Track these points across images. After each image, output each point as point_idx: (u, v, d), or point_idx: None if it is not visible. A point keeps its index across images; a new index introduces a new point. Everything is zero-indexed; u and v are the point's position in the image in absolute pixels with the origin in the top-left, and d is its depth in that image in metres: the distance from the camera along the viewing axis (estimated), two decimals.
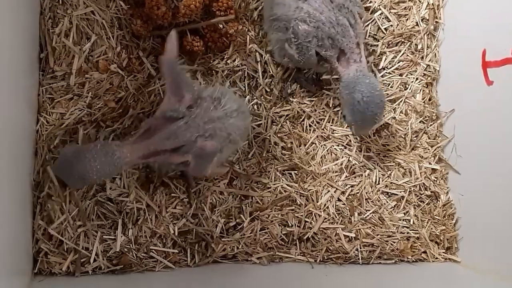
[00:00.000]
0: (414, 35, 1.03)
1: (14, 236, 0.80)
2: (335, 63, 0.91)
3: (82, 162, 0.78)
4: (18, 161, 0.82)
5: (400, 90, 1.02)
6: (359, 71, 0.90)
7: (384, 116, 1.00)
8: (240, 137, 0.89)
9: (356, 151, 1.00)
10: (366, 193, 0.98)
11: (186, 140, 0.82)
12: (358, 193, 0.98)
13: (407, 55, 1.03)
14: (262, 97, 0.99)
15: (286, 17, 0.91)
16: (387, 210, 0.98)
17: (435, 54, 1.03)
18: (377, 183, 0.99)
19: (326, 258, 0.95)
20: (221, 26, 0.95)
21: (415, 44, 1.03)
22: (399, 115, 1.02)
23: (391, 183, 0.99)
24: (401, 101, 1.02)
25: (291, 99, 0.99)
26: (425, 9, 1.03)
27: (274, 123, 0.99)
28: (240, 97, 0.96)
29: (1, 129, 0.74)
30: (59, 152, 0.85)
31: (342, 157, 0.99)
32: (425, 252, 0.98)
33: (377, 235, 0.96)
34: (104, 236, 0.89)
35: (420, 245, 0.98)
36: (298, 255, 0.94)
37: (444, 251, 0.98)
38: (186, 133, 0.82)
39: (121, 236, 0.89)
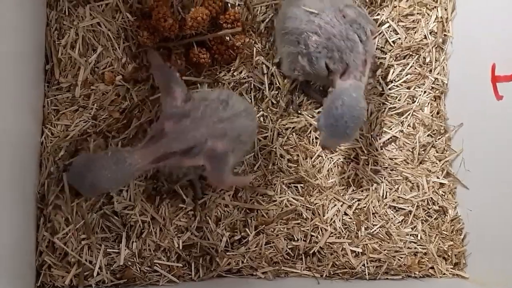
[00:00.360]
0: (422, 48, 1.02)
1: (17, 248, 0.79)
2: (337, 76, 0.91)
3: (93, 171, 0.78)
4: (22, 173, 0.82)
5: (408, 103, 1.01)
6: (352, 86, 0.89)
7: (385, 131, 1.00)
8: (249, 138, 0.89)
9: (363, 164, 0.99)
10: (373, 207, 0.97)
11: (195, 140, 0.81)
12: (365, 207, 0.97)
13: (415, 68, 1.02)
14: (268, 109, 0.98)
15: (298, 31, 0.90)
16: (394, 225, 0.97)
17: (444, 67, 1.02)
18: (384, 197, 0.98)
19: (332, 273, 0.93)
20: (228, 38, 0.94)
21: (423, 57, 1.02)
22: (407, 128, 1.01)
23: (399, 197, 0.98)
24: (408, 114, 1.01)
25: (301, 111, 0.99)
26: (434, 22, 1.02)
27: (280, 136, 0.98)
28: (245, 99, 0.95)
29: (6, 140, 0.73)
30: (72, 161, 0.84)
31: (349, 170, 0.98)
32: (432, 267, 0.96)
33: (384, 250, 0.95)
34: (108, 250, 0.88)
35: (427, 260, 0.96)
36: (303, 270, 0.93)
37: (452, 267, 0.97)
38: (195, 133, 0.81)
39: (125, 250, 0.88)
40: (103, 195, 0.89)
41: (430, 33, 1.02)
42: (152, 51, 0.89)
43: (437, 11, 1.02)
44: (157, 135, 0.81)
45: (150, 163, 0.81)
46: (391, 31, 1.02)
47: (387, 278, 0.95)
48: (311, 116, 0.99)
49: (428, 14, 1.02)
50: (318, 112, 0.99)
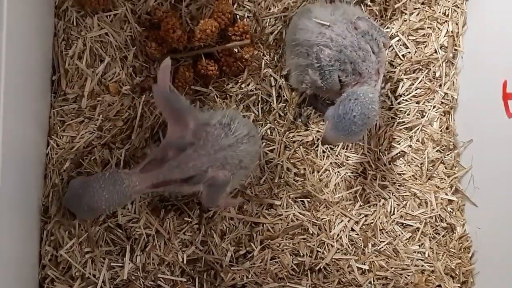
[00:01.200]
0: (432, 62, 1.01)
1: (20, 261, 0.78)
2: (351, 87, 0.90)
3: (90, 192, 0.78)
4: (27, 185, 0.81)
5: (417, 118, 1.00)
6: (370, 88, 0.88)
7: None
8: (251, 162, 0.88)
9: (370, 179, 0.98)
10: (381, 223, 0.96)
11: (196, 170, 0.81)
12: (372, 223, 0.96)
13: (425, 83, 1.01)
14: (276, 121, 0.97)
15: (308, 43, 0.89)
16: (401, 242, 0.95)
17: (453, 82, 1.01)
18: (392, 213, 0.97)
19: None
20: (236, 50, 0.93)
21: (433, 72, 1.01)
22: (416, 143, 1.00)
23: (406, 213, 0.97)
24: (417, 129, 1.00)
25: (309, 124, 0.98)
26: (444, 36, 1.01)
27: (287, 149, 0.97)
28: (248, 120, 0.94)
29: (11, 151, 0.72)
30: (69, 184, 0.83)
31: (357, 185, 0.97)
32: (439, 286, 0.95)
33: (391, 267, 0.93)
34: (112, 263, 0.86)
35: (434, 278, 0.95)
36: (309, 287, 0.91)
37: (459, 285, 0.95)
38: (196, 162, 0.80)
39: (129, 263, 0.87)
40: None
41: (441, 47, 1.01)
42: (166, 65, 0.83)
43: (448, 25, 1.01)
44: (157, 160, 0.81)
45: (149, 187, 0.81)
46: (401, 45, 1.01)
47: None
48: (318, 129, 0.98)
49: (439, 29, 1.01)
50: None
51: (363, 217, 0.96)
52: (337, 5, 0.94)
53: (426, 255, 0.95)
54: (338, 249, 0.93)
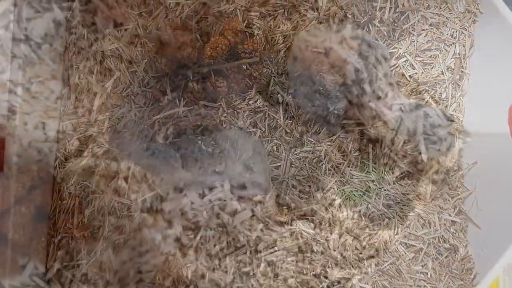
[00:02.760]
0: (439, 83, 1.01)
1: (26, 272, 0.78)
2: (377, 106, 0.90)
3: None
4: (35, 198, 0.81)
5: None
6: (401, 109, 0.89)
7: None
8: (264, 177, 0.89)
9: (375, 198, 0.98)
10: (384, 243, 0.96)
11: None
12: (376, 242, 0.96)
13: (431, 104, 1.01)
14: (282, 138, 0.98)
15: (309, 72, 0.90)
16: (405, 262, 0.96)
17: (459, 104, 1.01)
18: (395, 233, 0.97)
19: None
20: (245, 67, 0.94)
21: (439, 93, 1.01)
22: (421, 163, 1.00)
23: (410, 233, 0.97)
24: None
25: (321, 141, 0.98)
26: (451, 58, 1.01)
27: (292, 166, 0.98)
28: (250, 136, 0.94)
29: (19, 165, 0.72)
30: None
31: (361, 204, 0.98)
32: None
33: (394, 287, 0.94)
34: None
35: None
36: None
37: None
38: None
39: None
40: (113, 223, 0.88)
41: (447, 69, 1.01)
42: None
43: (455, 47, 1.01)
44: None
45: None
46: (408, 65, 1.02)
47: None
48: (330, 145, 0.98)
49: (446, 50, 1.02)
50: (330, 146, 0.99)
51: (367, 236, 0.96)
52: (332, 28, 0.95)
53: (429, 275, 0.96)
54: (341, 268, 0.94)
